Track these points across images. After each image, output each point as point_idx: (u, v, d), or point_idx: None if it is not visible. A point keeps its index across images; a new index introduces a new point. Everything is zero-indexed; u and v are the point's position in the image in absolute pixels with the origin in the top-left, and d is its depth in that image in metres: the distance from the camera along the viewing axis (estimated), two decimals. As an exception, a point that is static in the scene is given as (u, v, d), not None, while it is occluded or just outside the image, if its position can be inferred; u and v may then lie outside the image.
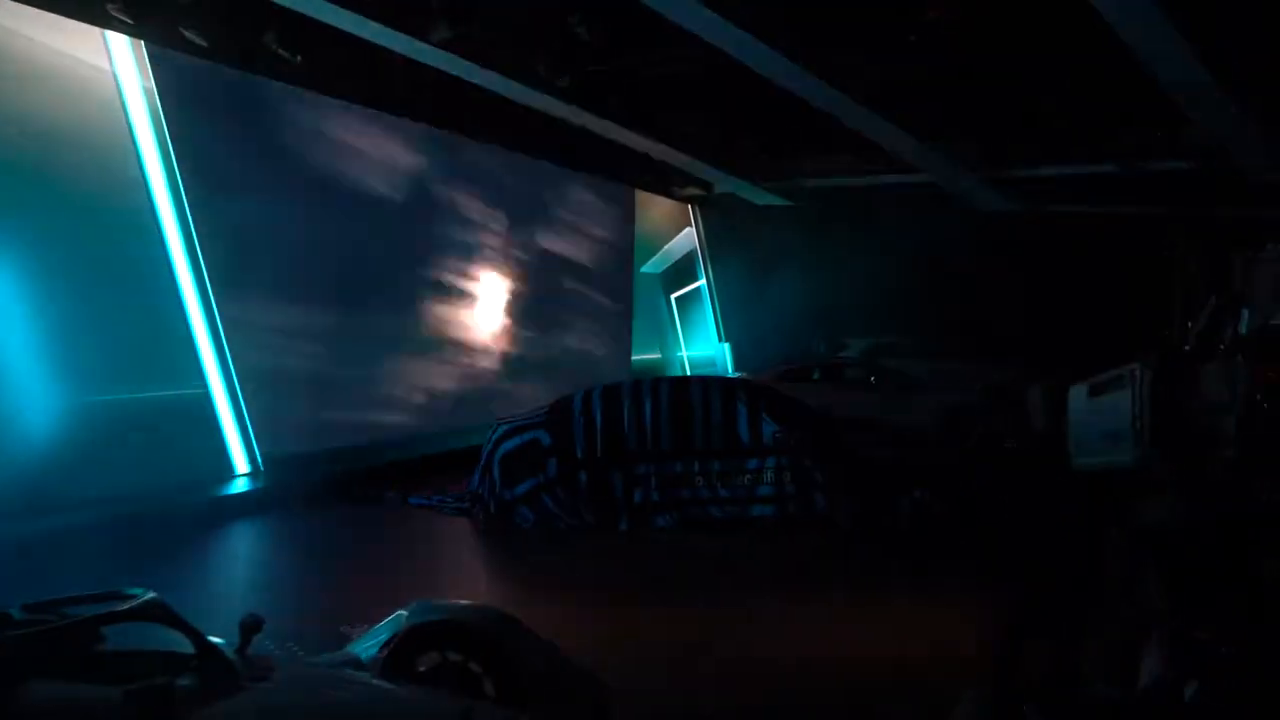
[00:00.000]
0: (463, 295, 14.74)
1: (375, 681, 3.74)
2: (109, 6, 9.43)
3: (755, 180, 19.14)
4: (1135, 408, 3.29)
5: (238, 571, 8.81)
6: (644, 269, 20.80)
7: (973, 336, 20.08)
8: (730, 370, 22.23)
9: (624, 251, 19.80)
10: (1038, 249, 20.32)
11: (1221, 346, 3.15)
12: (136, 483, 9.28)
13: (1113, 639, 3.91)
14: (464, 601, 4.53)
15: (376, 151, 13.08)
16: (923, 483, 9.47)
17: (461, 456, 12.51)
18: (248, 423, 10.98)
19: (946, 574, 8.14)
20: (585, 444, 9.97)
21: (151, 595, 3.36)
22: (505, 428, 10.46)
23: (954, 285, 20.31)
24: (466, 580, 8.42)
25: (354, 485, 11.44)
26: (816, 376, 16.19)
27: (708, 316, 23.36)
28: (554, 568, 8.65)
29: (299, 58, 10.78)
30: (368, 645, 4.21)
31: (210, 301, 10.63)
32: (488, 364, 15.35)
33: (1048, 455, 4.34)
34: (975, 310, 20.51)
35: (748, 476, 9.66)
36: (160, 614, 3.30)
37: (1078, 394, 3.65)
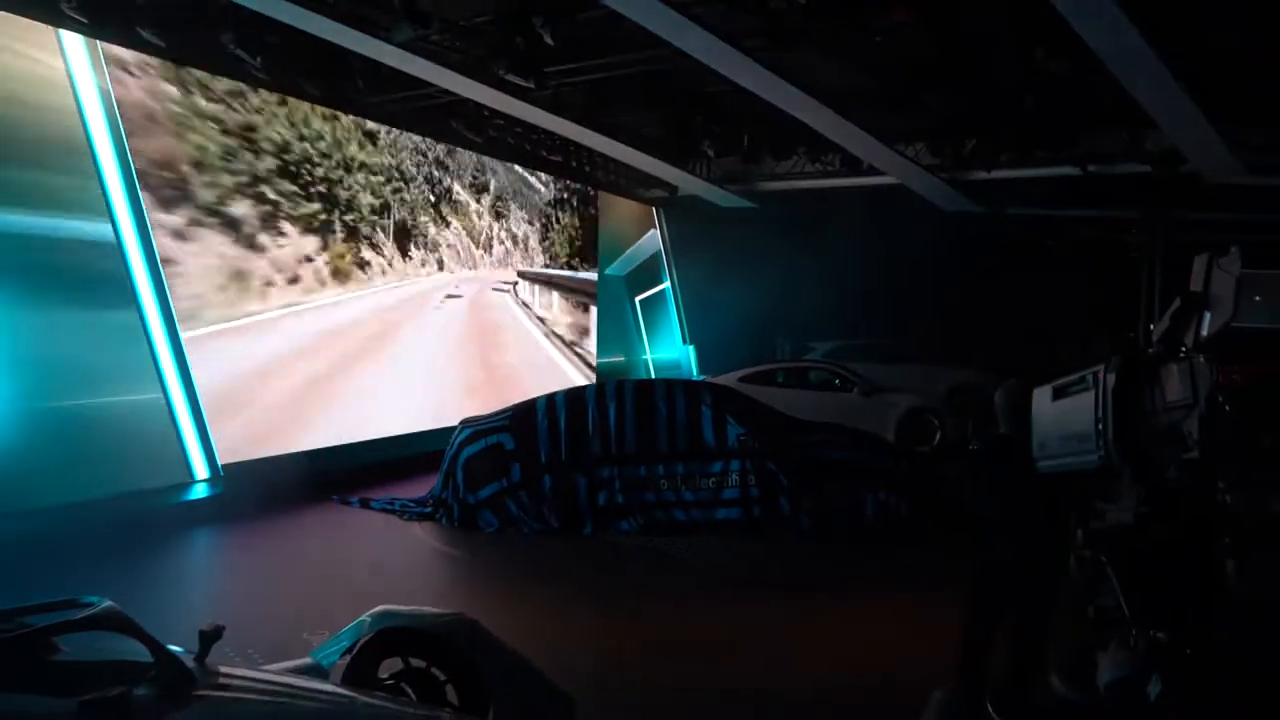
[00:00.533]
0: (429, 298, 14.66)
1: (337, 689, 3.71)
2: (64, 5, 9.29)
3: (718, 182, 19.16)
4: (1098, 410, 3.32)
5: (197, 578, 8.71)
6: (608, 271, 20.77)
7: (937, 339, 20.25)
8: (695, 373, 22.26)
9: (587, 255, 19.78)
10: (1001, 251, 20.50)
11: (1184, 348, 3.19)
12: (93, 489, 9.16)
13: (1075, 640, 3.94)
14: (427, 608, 4.50)
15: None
16: (887, 485, 9.53)
17: (424, 461, 12.45)
18: (207, 428, 10.85)
19: (912, 576, 8.20)
20: (549, 448, 9.96)
21: (108, 604, 3.32)
22: (469, 431, 10.43)
23: (918, 287, 20.47)
24: (429, 585, 8.37)
25: (315, 490, 11.36)
26: (781, 379, 16.26)
27: (672, 319, 23.36)
28: (518, 572, 8.62)
29: (258, 59, 10.67)
30: (329, 652, 4.18)
31: (168, 302, 10.49)
32: (451, 368, 15.26)
33: (1012, 457, 4.35)
34: (939, 312, 20.68)
35: (712, 480, 9.68)
36: (117, 622, 3.25)
37: (1041, 396, 3.68)
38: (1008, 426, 4.80)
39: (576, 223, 19.21)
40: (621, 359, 21.22)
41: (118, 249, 10.12)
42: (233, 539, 9.72)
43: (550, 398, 10.45)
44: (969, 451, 4.94)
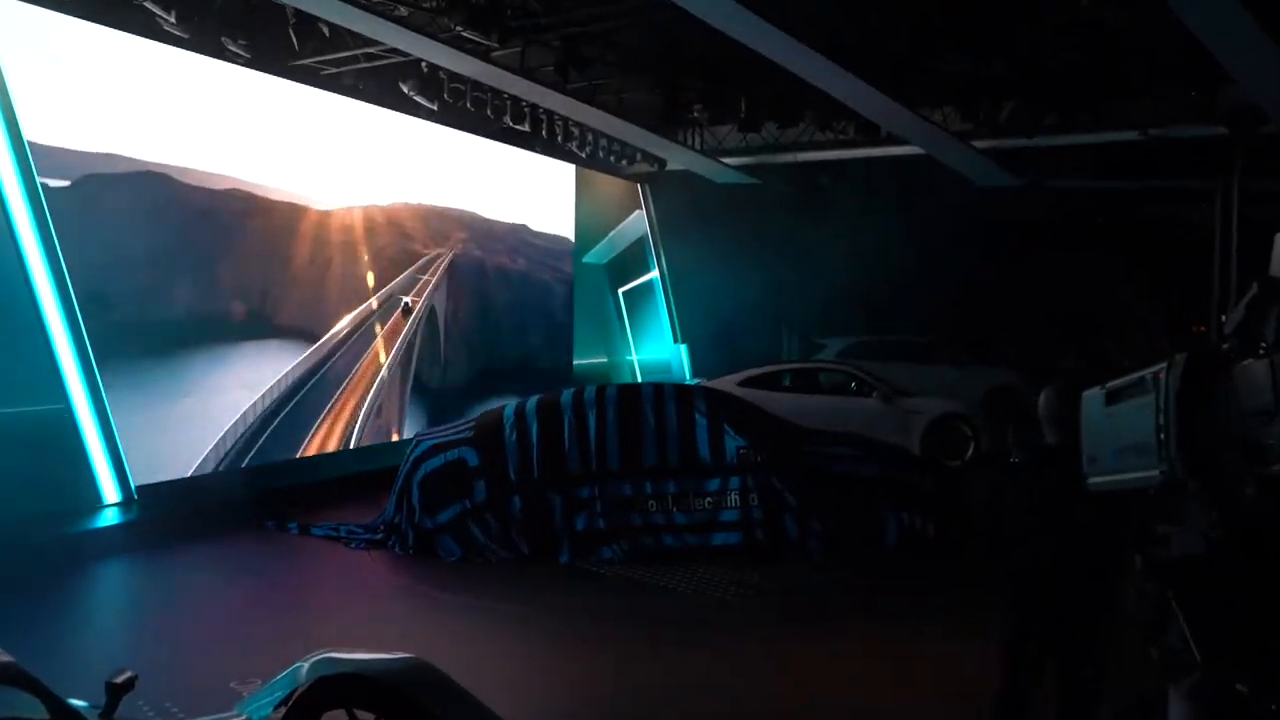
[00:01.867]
0: (371, 296, 14.60)
1: (269, 748, 3.66)
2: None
3: (712, 154, 19.15)
4: (1159, 416, 3.27)
5: (106, 619, 8.64)
6: (586, 259, 20.76)
7: (969, 334, 20.25)
8: (688, 376, 22.26)
9: (562, 240, 19.75)
10: (1044, 231, 20.49)
11: (1263, 344, 3.14)
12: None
13: (1133, 689, 3.90)
14: (376, 651, 4.45)
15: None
16: (911, 504, 9.52)
17: (373, 480, 12.39)
18: (119, 444, 10.77)
19: (940, 610, 8.18)
20: (519, 463, 9.94)
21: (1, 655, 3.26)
22: (425, 445, 10.39)
23: (947, 275, 20.48)
24: (379, 625, 8.30)
25: (247, 514, 11.29)
26: (787, 382, 16.26)
27: (661, 314, 23.37)
28: (483, 609, 8.56)
29: (172, 13, 10.57)
30: (261, 704, 4.13)
31: (70, 300, 10.40)
32: (403, 375, 15.22)
33: (1058, 472, 4.31)
34: (972, 304, 20.67)
35: (708, 499, 9.67)
36: (8, 675, 3.19)
37: (1092, 401, 3.62)
38: (1053, 435, 4.76)
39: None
40: (603, 360, 21.23)
41: (8, 233, 10.05)
42: (148, 571, 9.64)
43: (520, 406, 10.42)
44: (1007, 465, 4.90)
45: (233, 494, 11.78)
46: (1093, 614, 4.61)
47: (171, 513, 10.84)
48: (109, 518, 10.59)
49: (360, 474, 13.08)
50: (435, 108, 14.61)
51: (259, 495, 11.81)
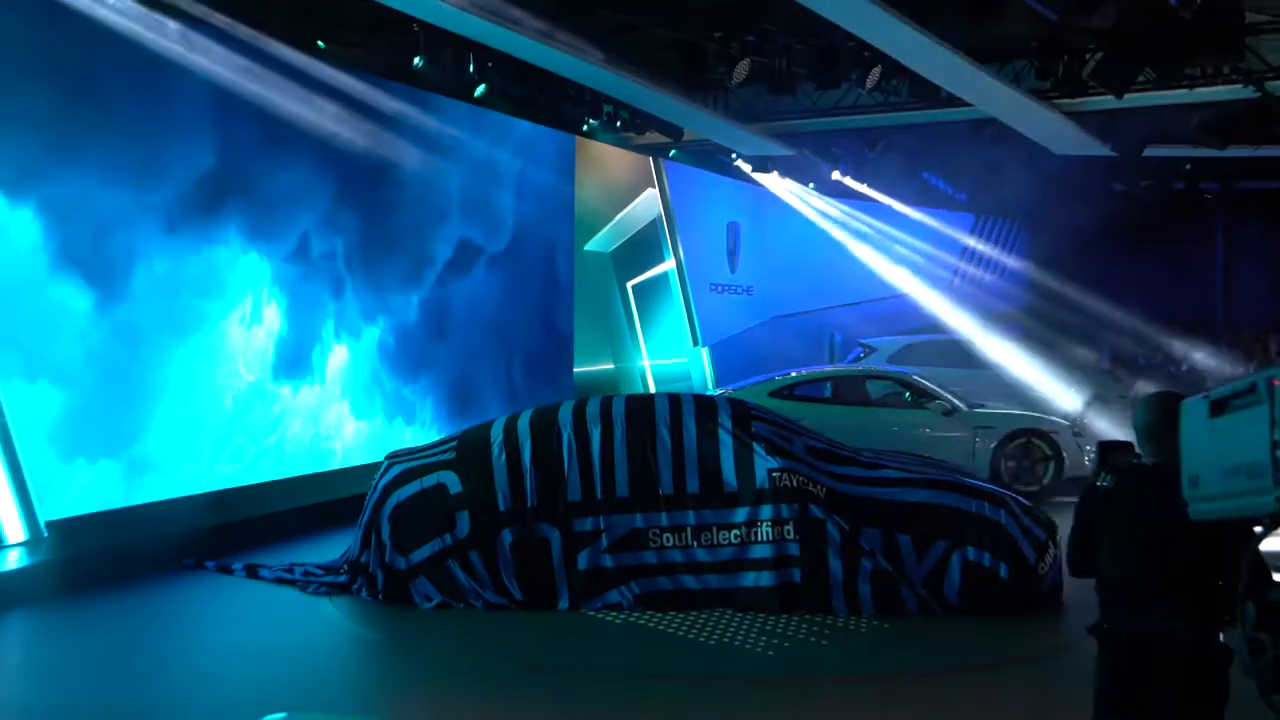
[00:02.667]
0: (329, 287, 14.60)
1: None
2: None
3: (739, 120, 19.13)
4: (1276, 430, 3.23)
5: (7, 685, 8.59)
6: (589, 247, 20.75)
7: (1048, 332, 20.22)
8: (710, 385, 22.23)
9: (561, 223, 19.74)
10: (1139, 208, 20.42)
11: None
12: None
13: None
14: (340, 715, 4.44)
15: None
16: (980, 539, 9.47)
17: (336, 510, 12.37)
18: (23, 471, 10.76)
19: (1016, 664, 8.14)
20: (510, 491, 9.89)
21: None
22: (398, 469, 10.35)
23: (1019, 260, 20.44)
24: (343, 684, 8.30)
25: (183, 554, 11.27)
26: (828, 393, 16.23)
27: (677, 312, 23.35)
28: (466, 666, 8.55)
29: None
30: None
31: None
32: (368, 383, 15.21)
33: (1159, 499, 4.27)
34: (1051, 295, 20.65)
35: (735, 533, 9.62)
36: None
37: (1194, 412, 3.57)
38: (1151, 454, 4.73)
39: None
40: (608, 367, 21.20)
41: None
42: (59, 624, 9.58)
43: (510, 421, 10.37)
44: (1094, 489, 4.87)
45: (166, 529, 11.68)
46: (1197, 666, 4.57)
47: (91, 553, 10.78)
48: (11, 560, 10.54)
49: (320, 505, 13.09)
50: (410, 67, 14.62)
51: (197, 531, 11.78)
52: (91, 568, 10.50)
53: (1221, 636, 4.46)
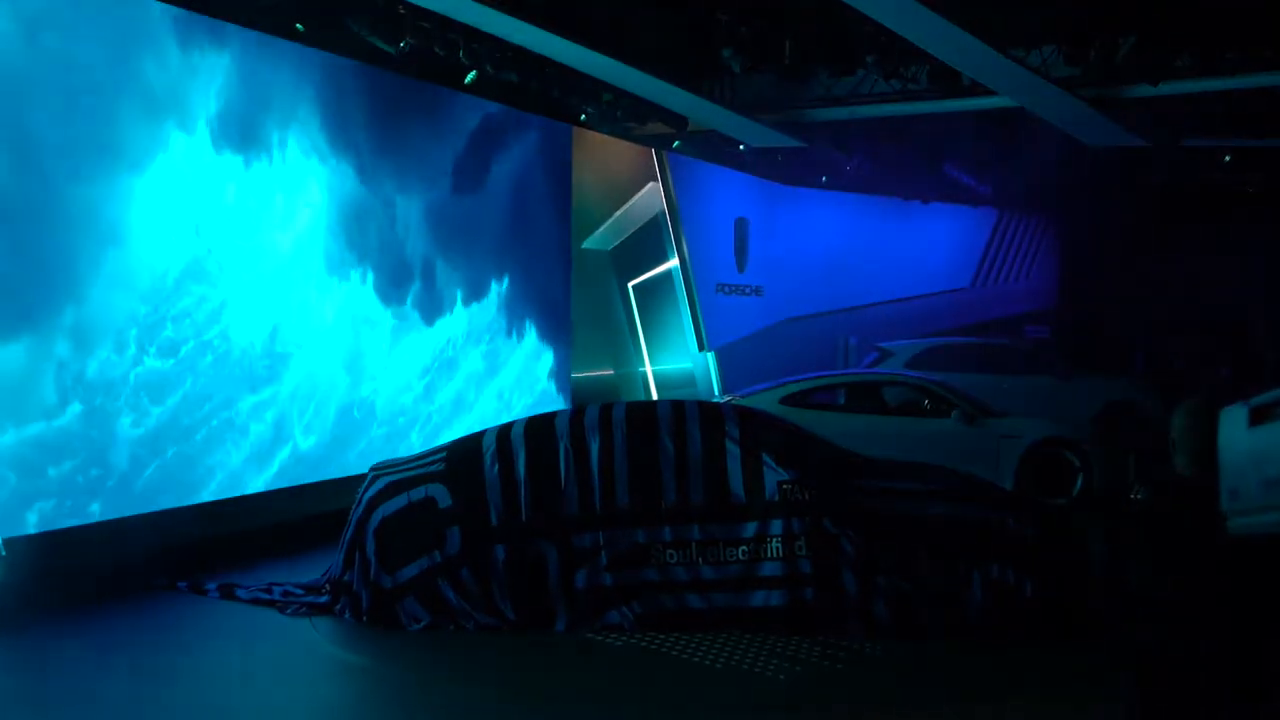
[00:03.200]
0: (314, 288, 14.60)
1: None
2: None
3: (747, 110, 19.15)
4: (1319, 439, 3.24)
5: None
6: (586, 245, 20.76)
7: (1079, 335, 20.23)
8: (716, 392, 22.24)
9: (558, 218, 19.74)
10: (1175, 203, 20.42)
11: None
12: None
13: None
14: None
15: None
16: (1003, 554, 9.47)
17: (317, 526, 12.37)
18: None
19: (1044, 689, 8.14)
20: (503, 505, 9.91)
21: None
22: (384, 481, 10.36)
23: (1046, 258, 20.49)
24: (325, 715, 8.31)
25: (151, 573, 11.27)
26: (842, 400, 16.24)
27: (682, 314, 23.36)
28: (457, 692, 8.56)
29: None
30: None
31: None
32: (350, 388, 15.20)
33: (1197, 513, 4.28)
34: (1081, 295, 20.66)
35: (743, 548, 9.62)
36: None
37: (1232, 421, 3.57)
38: (1189, 466, 4.73)
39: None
40: (608, 373, 21.21)
41: None
42: (17, 651, 9.53)
43: (504, 430, 10.38)
44: (1129, 503, 4.87)
45: (133, 547, 11.67)
46: (1241, 691, 4.57)
47: (51, 572, 10.74)
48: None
49: (298, 520, 13.10)
50: (393, 52, 14.62)
51: (167, 548, 11.77)
52: (55, 588, 10.48)
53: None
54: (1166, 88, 15.84)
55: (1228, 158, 21.85)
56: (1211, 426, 4.09)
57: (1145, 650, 4.75)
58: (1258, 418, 3.61)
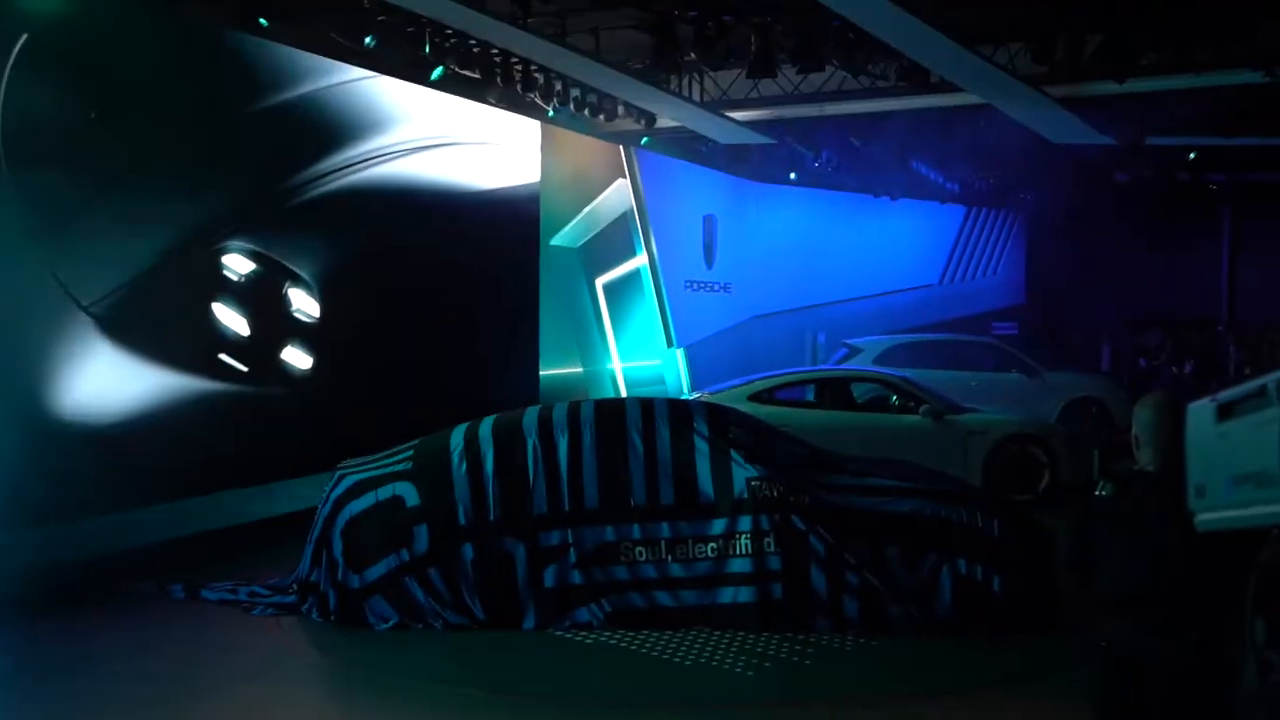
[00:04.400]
0: (272, 285, 14.52)
1: None
2: None
3: (715, 107, 19.17)
4: (1288, 434, 3.24)
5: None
6: (554, 242, 20.73)
7: (1044, 331, 20.30)
8: (686, 389, 22.24)
9: (525, 216, 19.71)
10: (1141, 200, 20.50)
11: None
12: None
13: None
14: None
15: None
16: (971, 551, 9.49)
17: (283, 526, 12.32)
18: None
19: (1013, 685, 8.16)
20: (471, 503, 9.87)
21: None
22: (350, 480, 10.31)
23: (1013, 255, 20.57)
24: (292, 716, 8.27)
25: (112, 576, 11.16)
26: (811, 396, 16.26)
27: (651, 311, 23.36)
28: (425, 691, 8.54)
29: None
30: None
31: None
32: (314, 387, 15.12)
33: (1161, 509, 4.29)
34: (1048, 293, 20.73)
35: (713, 545, 9.61)
36: None
37: (1200, 416, 3.58)
38: (1153, 461, 4.74)
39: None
40: (577, 370, 21.18)
41: None
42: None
43: (471, 428, 10.35)
44: (1094, 499, 4.87)
45: (96, 550, 11.56)
46: (1204, 688, 4.58)
47: (10, 578, 10.58)
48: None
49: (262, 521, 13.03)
50: (360, 48, 14.58)
51: (131, 551, 11.68)
52: (14, 590, 10.34)
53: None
54: (1133, 85, 15.89)
55: (1192, 155, 22.02)
56: (1175, 422, 4.10)
57: (1113, 648, 4.76)
58: (1224, 414, 3.61)
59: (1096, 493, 4.83)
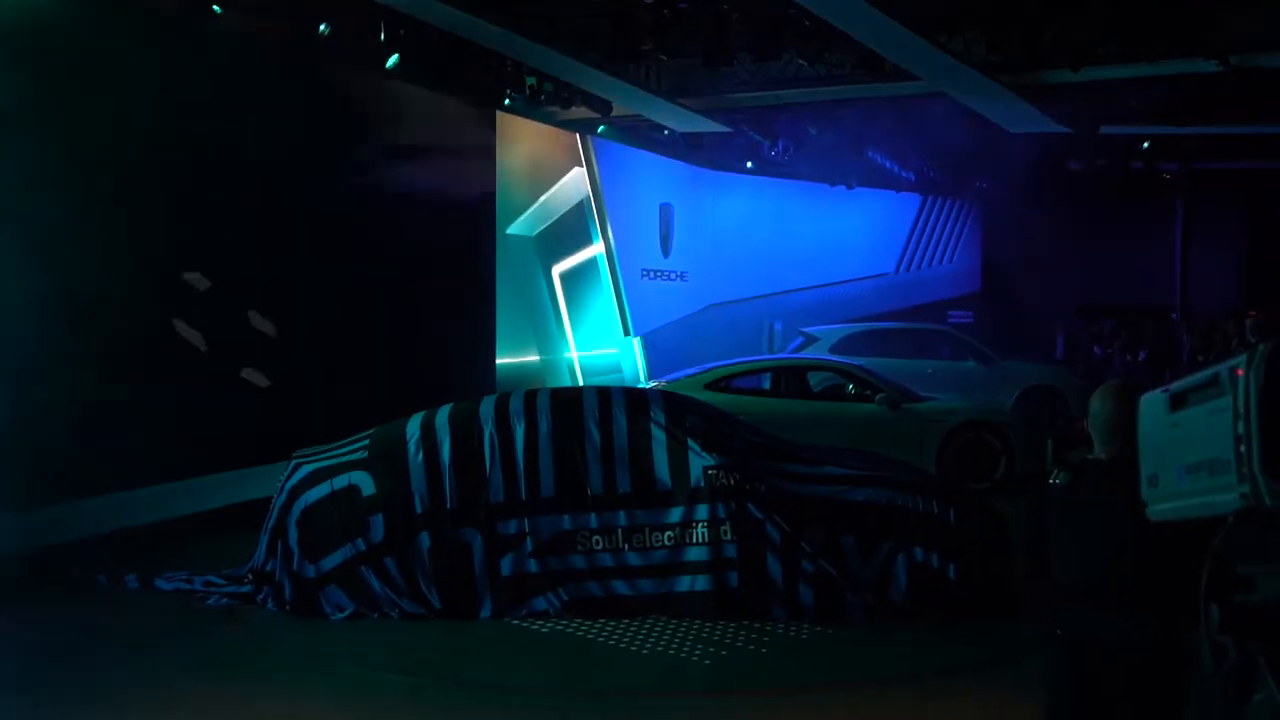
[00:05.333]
0: (228, 276, 14.42)
1: None
2: None
3: (671, 95, 19.14)
4: (1239, 424, 3.25)
5: None
6: (510, 230, 20.68)
7: (999, 320, 20.39)
8: (643, 378, 22.23)
9: (481, 204, 19.66)
10: (1095, 189, 20.59)
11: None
12: None
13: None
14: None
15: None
16: (928, 539, 9.53)
17: (237, 515, 12.26)
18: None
19: (966, 673, 8.20)
20: (427, 492, 9.86)
21: None
22: (306, 469, 10.27)
23: (968, 244, 20.65)
24: (245, 704, 8.22)
25: (63, 565, 11.07)
26: (767, 384, 16.28)
27: (607, 300, 23.34)
28: (381, 682, 8.50)
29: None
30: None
31: None
32: (273, 376, 15.03)
33: (1113, 495, 4.32)
34: (1002, 281, 20.82)
35: (669, 534, 9.63)
36: None
37: (1152, 405, 3.60)
38: (1105, 448, 4.76)
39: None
40: (533, 359, 21.15)
41: None
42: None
43: (428, 417, 10.32)
44: (1048, 488, 4.89)
45: (46, 540, 11.44)
46: (1158, 673, 4.61)
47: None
48: None
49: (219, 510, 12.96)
50: (315, 35, 14.49)
51: (84, 541, 11.59)
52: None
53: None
54: (1088, 74, 15.95)
55: (1146, 144, 22.15)
56: (1127, 410, 4.11)
57: (1067, 635, 4.78)
58: (1177, 403, 3.63)
59: (1050, 481, 4.85)
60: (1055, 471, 4.86)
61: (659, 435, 9.89)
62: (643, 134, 22.88)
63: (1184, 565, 4.22)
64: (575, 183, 22.60)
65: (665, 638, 9.08)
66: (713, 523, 9.55)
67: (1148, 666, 4.58)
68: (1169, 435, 3.66)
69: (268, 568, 10.15)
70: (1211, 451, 3.38)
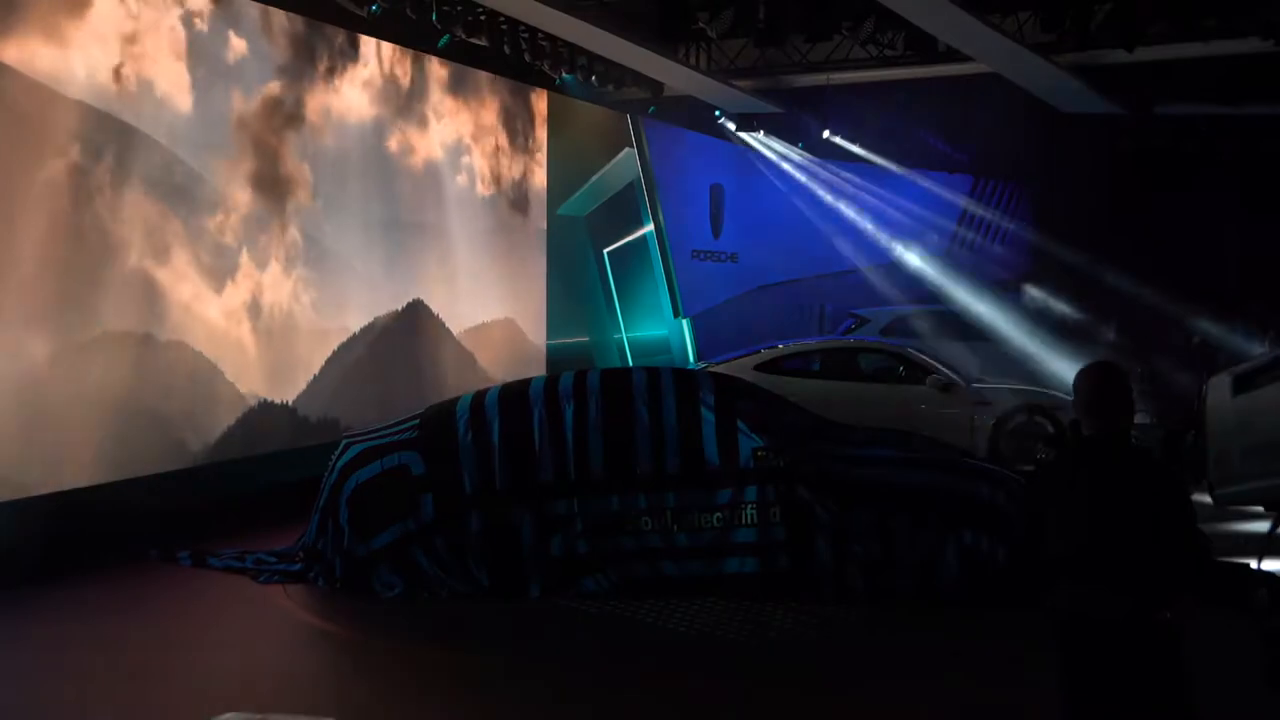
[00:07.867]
0: (280, 255, 14.45)
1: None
2: None
3: (723, 76, 19.07)
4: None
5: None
6: (562, 211, 20.64)
7: (1054, 301, 20.19)
8: (691, 359, 22.19)
9: (531, 185, 19.65)
10: (1150, 170, 20.37)
11: None
12: None
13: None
14: (293, 715, 4.41)
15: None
16: (978, 523, 9.45)
17: (291, 493, 12.30)
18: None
19: (1019, 659, 8.13)
20: (477, 472, 9.89)
21: None
22: (357, 449, 10.32)
23: (1022, 225, 20.49)
24: (297, 681, 8.25)
25: (116, 542, 11.10)
26: (817, 366, 16.21)
27: (658, 281, 23.29)
28: (430, 659, 8.52)
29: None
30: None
31: None
32: (322, 357, 15.05)
33: (1101, 471, 4.31)
34: (1056, 263, 20.62)
35: (718, 516, 9.61)
36: None
37: (1217, 389, 3.55)
38: (1093, 426, 4.75)
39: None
40: (583, 340, 21.13)
41: None
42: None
43: (478, 397, 10.34)
44: (1037, 465, 4.89)
45: (102, 515, 11.45)
46: (1153, 658, 4.59)
47: (12, 543, 10.37)
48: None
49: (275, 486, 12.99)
50: (362, 14, 14.49)
51: (138, 516, 11.62)
52: (16, 559, 10.23)
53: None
54: (1141, 53, 15.79)
55: (1202, 125, 21.89)
56: (1114, 387, 4.12)
57: (1060, 609, 4.78)
58: (1241, 386, 3.58)
59: (1038, 457, 4.90)
60: (1044, 450, 4.88)
61: (708, 416, 9.85)
62: (693, 115, 22.80)
63: (1164, 539, 4.22)
64: (626, 163, 22.54)
65: (712, 619, 9.08)
66: (762, 505, 9.52)
67: (1131, 639, 4.57)
68: (1233, 417, 3.62)
69: (319, 546, 10.22)
70: (1276, 433, 3.33)
